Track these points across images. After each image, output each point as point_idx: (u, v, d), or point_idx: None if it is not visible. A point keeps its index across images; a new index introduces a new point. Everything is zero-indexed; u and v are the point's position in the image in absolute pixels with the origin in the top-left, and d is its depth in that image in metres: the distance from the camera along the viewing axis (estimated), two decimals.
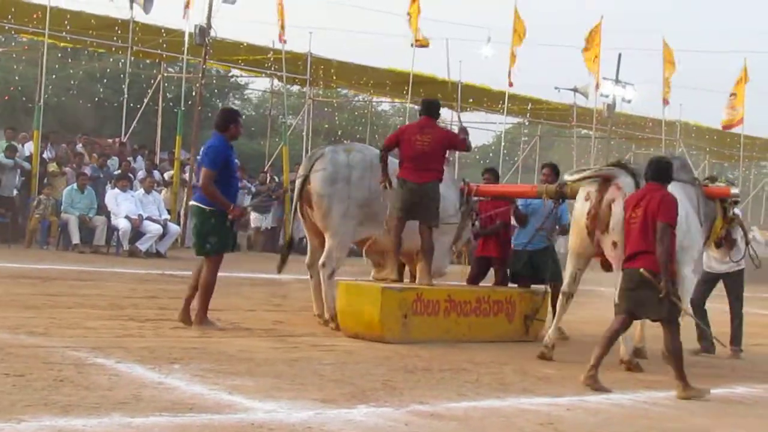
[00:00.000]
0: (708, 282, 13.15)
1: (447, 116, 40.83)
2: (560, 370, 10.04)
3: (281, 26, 27.34)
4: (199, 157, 10.97)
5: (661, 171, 9.61)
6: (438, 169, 11.71)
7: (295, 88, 35.57)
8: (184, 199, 24.14)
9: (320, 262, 11.79)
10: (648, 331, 11.37)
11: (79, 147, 25.09)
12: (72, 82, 35.91)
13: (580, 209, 10.92)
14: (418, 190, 11.60)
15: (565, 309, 11.06)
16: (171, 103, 31.94)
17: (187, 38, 26.32)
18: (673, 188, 11.16)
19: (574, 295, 11.05)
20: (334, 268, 11.83)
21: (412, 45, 29.46)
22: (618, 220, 10.27)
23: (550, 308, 12.31)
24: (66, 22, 26.55)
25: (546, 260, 12.61)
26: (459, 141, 11.86)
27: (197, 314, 10.83)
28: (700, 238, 11.43)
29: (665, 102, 35.13)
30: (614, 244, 10.37)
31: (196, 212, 10.93)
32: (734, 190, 11.91)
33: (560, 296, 11.10)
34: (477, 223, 13.12)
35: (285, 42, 27.65)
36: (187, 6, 25.53)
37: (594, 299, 14.24)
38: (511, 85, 32.08)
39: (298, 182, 12.06)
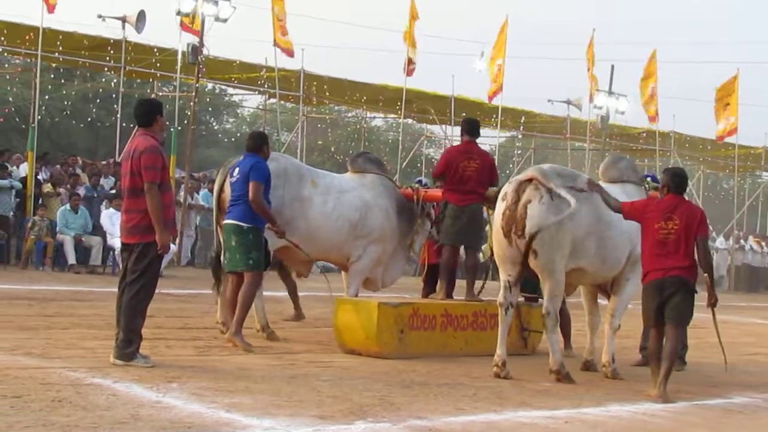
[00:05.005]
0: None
1: (440, 131, 41.08)
2: (558, 382, 10.04)
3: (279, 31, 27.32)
4: (232, 178, 11.02)
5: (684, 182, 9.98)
6: (481, 193, 12.06)
7: (289, 104, 35.65)
8: (180, 218, 24.15)
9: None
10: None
11: (77, 169, 24.99)
12: (66, 103, 35.97)
13: (497, 209, 10.45)
14: (460, 212, 12.08)
15: (506, 321, 10.38)
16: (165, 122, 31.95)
17: (179, 57, 26.35)
18: (623, 189, 11.11)
19: (513, 306, 10.42)
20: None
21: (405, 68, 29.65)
22: (536, 223, 9.91)
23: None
24: (58, 43, 26.59)
25: None
26: (496, 174, 12.38)
27: (234, 326, 10.92)
28: None
29: (652, 119, 35.25)
30: (534, 251, 10.02)
31: (233, 230, 10.94)
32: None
33: (499, 309, 10.48)
34: (433, 230, 13.21)
35: (286, 34, 27.58)
36: (183, 25, 25.50)
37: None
38: (490, 99, 32.14)
39: (215, 192, 12.11)
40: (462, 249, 12.61)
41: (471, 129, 12.51)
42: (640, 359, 12.19)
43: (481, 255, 12.27)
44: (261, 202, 10.85)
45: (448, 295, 12.31)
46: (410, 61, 29.66)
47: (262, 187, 10.87)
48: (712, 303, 9.72)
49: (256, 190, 10.80)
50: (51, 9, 23.77)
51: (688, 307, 9.64)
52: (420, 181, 14.14)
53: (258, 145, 11.24)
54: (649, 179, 11.82)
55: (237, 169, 11.12)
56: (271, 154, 11.59)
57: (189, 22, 24.73)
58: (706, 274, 9.75)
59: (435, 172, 12.63)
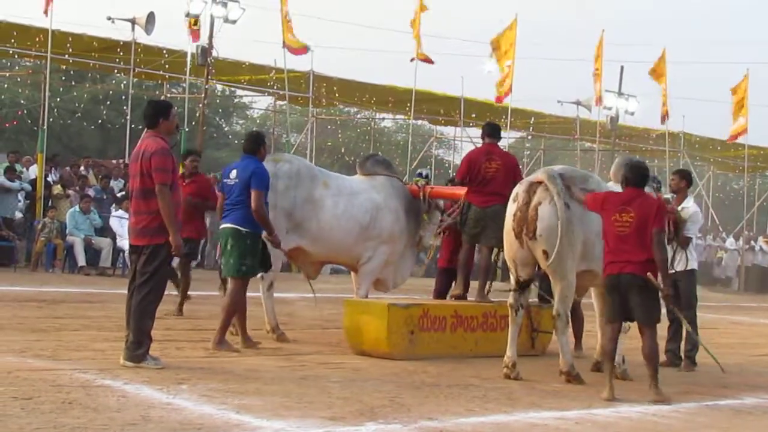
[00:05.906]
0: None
1: (450, 132, 41.08)
2: (568, 383, 10.02)
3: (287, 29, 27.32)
4: (230, 180, 10.93)
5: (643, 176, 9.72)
6: (503, 194, 11.78)
7: (298, 106, 35.66)
8: None
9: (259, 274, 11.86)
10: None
11: (83, 170, 25.01)
12: (76, 105, 36.04)
13: (508, 211, 10.48)
14: (482, 214, 12.12)
15: (516, 323, 10.43)
16: None
17: (189, 59, 26.40)
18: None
19: (524, 308, 10.50)
20: (271, 280, 12.19)
21: (412, 60, 29.57)
22: (547, 225, 9.97)
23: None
24: (68, 45, 26.65)
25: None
26: (520, 174, 12.29)
27: (217, 334, 10.79)
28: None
29: (663, 118, 35.13)
30: (545, 253, 10.02)
31: (231, 234, 10.82)
32: (665, 196, 11.83)
33: (509, 310, 10.51)
34: (442, 219, 13.27)
35: (292, 29, 27.58)
36: (191, 26, 25.52)
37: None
38: (499, 100, 31.93)
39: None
40: (477, 249, 12.66)
41: (492, 131, 12.58)
42: (664, 360, 12.15)
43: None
44: (263, 212, 10.73)
45: (464, 291, 12.38)
46: (428, 59, 29.57)
47: (264, 196, 10.80)
48: (665, 296, 9.46)
49: (258, 200, 10.66)
50: (45, 10, 23.73)
51: (652, 304, 9.43)
52: (421, 174, 14.15)
53: (256, 146, 11.10)
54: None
55: (234, 171, 10.95)
56: (283, 155, 11.54)
57: (193, 24, 24.78)
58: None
59: (458, 175, 12.61)
